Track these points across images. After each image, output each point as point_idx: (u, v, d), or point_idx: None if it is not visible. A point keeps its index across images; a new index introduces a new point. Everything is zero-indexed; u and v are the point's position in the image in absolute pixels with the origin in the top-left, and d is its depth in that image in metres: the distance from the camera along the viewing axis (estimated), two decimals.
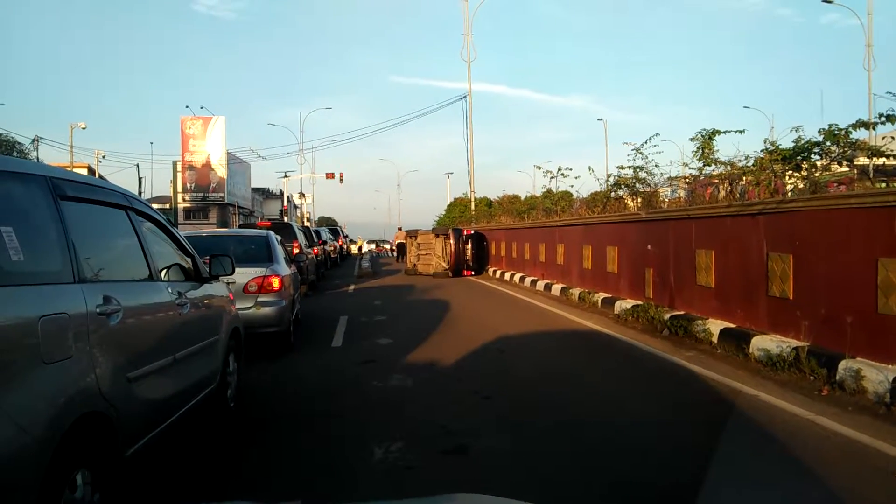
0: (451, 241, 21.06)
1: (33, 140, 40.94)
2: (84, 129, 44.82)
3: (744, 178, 8.62)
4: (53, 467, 2.35)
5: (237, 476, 4.04)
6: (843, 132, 7.01)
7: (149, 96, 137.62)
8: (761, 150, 8.14)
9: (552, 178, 17.31)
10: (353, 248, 44.22)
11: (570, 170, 16.64)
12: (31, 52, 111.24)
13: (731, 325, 7.95)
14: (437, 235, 22.97)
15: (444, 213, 45.47)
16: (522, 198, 27.49)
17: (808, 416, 5.00)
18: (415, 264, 23.16)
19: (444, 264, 21.61)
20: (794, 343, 6.64)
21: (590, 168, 24.21)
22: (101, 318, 2.92)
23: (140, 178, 51.58)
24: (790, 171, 7.79)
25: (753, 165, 8.25)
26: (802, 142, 7.52)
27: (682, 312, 9.14)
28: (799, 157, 7.55)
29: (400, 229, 36.43)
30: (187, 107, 61.73)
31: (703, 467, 3.73)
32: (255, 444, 4.62)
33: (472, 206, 31.45)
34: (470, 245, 21.50)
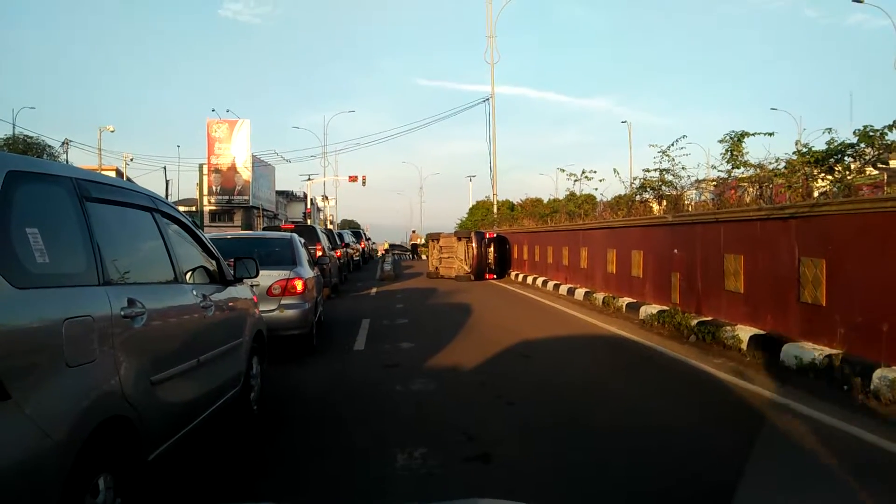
0: (474, 245, 20.99)
1: (63, 143, 41.75)
2: (112, 132, 45.59)
3: (775, 180, 8.44)
4: (76, 472, 2.33)
5: (260, 479, 4.01)
6: (878, 133, 6.82)
7: (176, 100, 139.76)
8: (793, 153, 7.97)
9: (576, 180, 17.21)
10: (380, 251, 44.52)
11: (595, 172, 16.52)
12: (61, 57, 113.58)
13: (761, 332, 7.77)
14: (459, 239, 22.92)
15: (466, 215, 45.48)
16: (545, 201, 27.37)
17: (842, 427, 4.85)
18: (437, 267, 23.13)
19: (467, 268, 21.54)
20: (827, 351, 6.46)
21: (615, 170, 23.89)
22: (125, 320, 2.90)
23: (167, 181, 52.43)
24: (823, 174, 7.61)
25: (785, 168, 8.07)
26: (836, 143, 7.34)
27: (709, 318, 8.97)
28: (832, 160, 7.37)
29: (414, 232, 39.96)
30: (213, 110, 62.47)
31: (734, 479, 3.61)
32: (278, 448, 4.60)
33: (495, 209, 31.37)
34: (492, 248, 21.40)
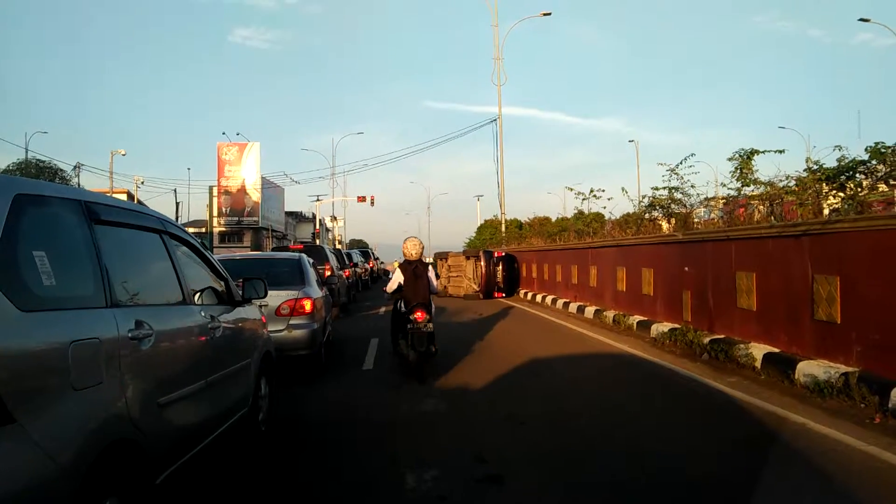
0: (482, 264, 20.95)
1: (75, 167, 42.23)
2: (124, 155, 46.20)
3: (785, 197, 8.38)
4: (82, 495, 2.30)
5: (269, 502, 3.96)
6: (890, 150, 6.77)
7: (187, 124, 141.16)
8: (804, 170, 7.91)
9: (584, 199, 17.13)
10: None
11: (603, 191, 16.44)
12: (74, 81, 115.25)
13: (775, 350, 7.66)
14: (467, 258, 22.90)
15: (474, 235, 45.48)
16: (553, 220, 27.35)
17: (860, 447, 4.74)
18: (445, 286, 23.09)
19: (475, 286, 21.48)
20: (843, 369, 6.36)
21: (623, 189, 23.82)
22: (132, 342, 2.89)
23: (177, 203, 52.82)
24: (834, 191, 7.54)
25: (796, 185, 8.01)
26: (846, 161, 7.29)
27: (721, 336, 8.87)
28: (843, 177, 7.31)
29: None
30: (224, 133, 62.93)
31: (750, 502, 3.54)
32: (287, 469, 4.55)
33: (503, 228, 31.35)
34: (501, 267, 21.34)
